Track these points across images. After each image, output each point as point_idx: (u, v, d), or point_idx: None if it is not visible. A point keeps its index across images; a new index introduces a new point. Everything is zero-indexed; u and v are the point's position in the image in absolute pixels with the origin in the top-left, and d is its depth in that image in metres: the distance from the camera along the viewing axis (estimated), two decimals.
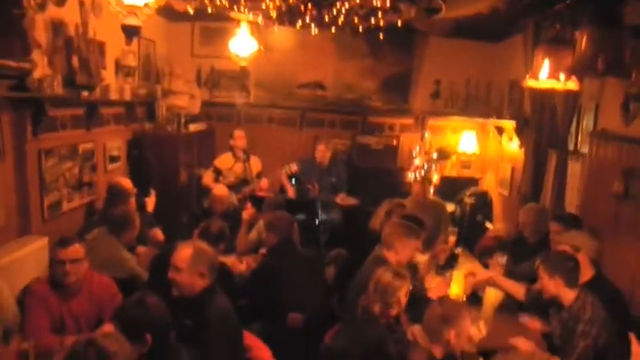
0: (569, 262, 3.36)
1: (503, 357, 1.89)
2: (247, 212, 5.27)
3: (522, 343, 3.38)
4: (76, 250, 3.31)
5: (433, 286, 4.23)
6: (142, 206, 5.36)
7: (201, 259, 3.18)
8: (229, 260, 4.58)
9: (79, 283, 3.35)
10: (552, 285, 3.34)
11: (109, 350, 1.81)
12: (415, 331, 2.97)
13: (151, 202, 5.53)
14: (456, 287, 4.37)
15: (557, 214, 4.79)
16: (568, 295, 3.31)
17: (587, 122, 5.10)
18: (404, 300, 3.29)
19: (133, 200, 4.97)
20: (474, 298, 4.20)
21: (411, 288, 3.36)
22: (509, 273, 4.51)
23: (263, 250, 4.71)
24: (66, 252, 3.26)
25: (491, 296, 4.37)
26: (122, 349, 1.86)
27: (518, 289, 3.94)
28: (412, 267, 4.63)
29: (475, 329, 3.61)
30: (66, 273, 3.26)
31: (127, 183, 5.24)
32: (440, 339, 2.86)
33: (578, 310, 3.23)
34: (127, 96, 6.08)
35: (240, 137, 6.79)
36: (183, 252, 3.18)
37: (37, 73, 4.25)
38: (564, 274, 3.31)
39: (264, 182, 6.60)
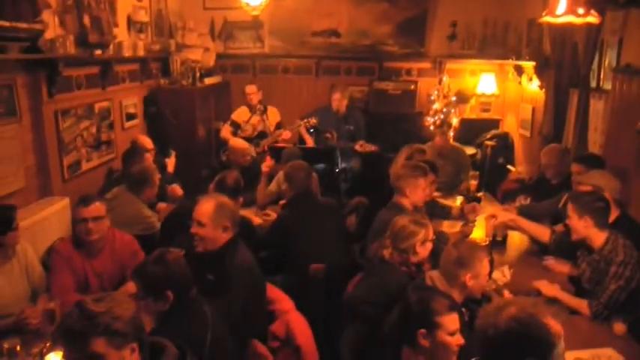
0: (599, 203, 3.26)
1: (498, 303, 1.85)
2: (266, 164, 5.25)
3: (545, 287, 3.37)
4: (98, 207, 3.34)
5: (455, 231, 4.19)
6: (162, 166, 5.38)
7: (224, 212, 3.17)
8: (249, 213, 4.61)
9: (102, 241, 3.39)
10: (582, 225, 3.25)
11: (93, 311, 1.77)
12: (433, 275, 2.95)
13: (171, 163, 5.53)
14: (479, 231, 4.35)
15: (578, 155, 4.70)
16: (598, 237, 3.23)
17: (610, 58, 4.94)
18: (421, 249, 3.23)
19: (149, 156, 4.97)
20: (497, 241, 4.17)
21: (433, 237, 3.33)
22: (529, 209, 4.49)
23: (283, 202, 4.70)
24: (88, 210, 3.30)
25: (516, 240, 4.35)
26: (114, 310, 1.80)
27: (542, 232, 3.87)
28: (445, 210, 4.64)
29: (499, 274, 3.59)
30: (89, 231, 3.30)
31: (146, 141, 5.25)
32: (456, 282, 2.85)
33: (609, 252, 3.16)
34: (141, 52, 6.06)
35: (252, 93, 6.73)
36: (205, 206, 3.16)
37: (48, 34, 4.23)
38: (594, 214, 3.21)
39: (285, 134, 6.55)
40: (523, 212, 4.36)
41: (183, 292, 2.60)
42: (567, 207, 3.36)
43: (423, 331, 2.30)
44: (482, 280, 2.91)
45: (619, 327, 2.92)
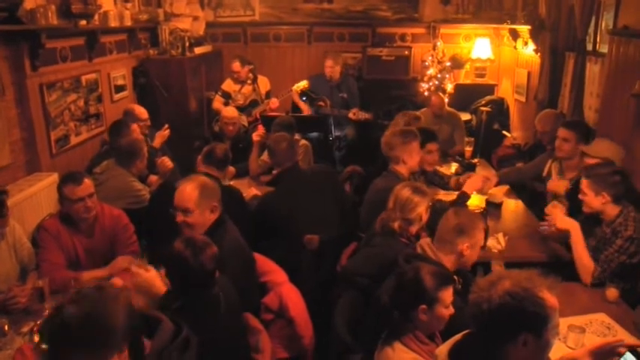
0: (616, 177, 3.16)
1: (492, 277, 1.81)
2: (257, 133, 5.17)
3: (561, 218, 3.35)
4: (88, 184, 3.27)
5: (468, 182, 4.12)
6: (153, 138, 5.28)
7: (209, 193, 3.03)
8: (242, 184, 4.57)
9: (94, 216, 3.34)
10: (598, 202, 3.16)
11: (76, 326, 1.57)
12: (423, 244, 2.91)
13: (159, 137, 5.32)
14: (476, 199, 4.32)
15: (567, 121, 4.59)
16: (612, 211, 3.17)
17: (607, 20, 4.85)
18: (425, 217, 3.22)
19: (137, 127, 4.85)
20: (493, 207, 4.18)
21: (431, 203, 3.29)
22: (512, 176, 4.55)
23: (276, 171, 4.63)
24: (82, 189, 3.21)
25: (511, 207, 4.35)
26: (101, 322, 1.61)
27: None
28: (444, 180, 4.59)
29: (494, 241, 3.57)
30: (88, 209, 3.24)
31: (140, 111, 5.18)
32: (453, 250, 2.81)
33: (619, 225, 3.11)
34: (128, 22, 5.93)
35: (237, 70, 6.58)
36: (188, 192, 2.97)
37: (28, 4, 4.11)
38: (612, 189, 3.13)
39: (273, 102, 6.45)
40: (505, 179, 4.35)
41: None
42: (581, 182, 3.25)
43: (424, 307, 2.26)
44: (477, 251, 2.87)
45: (612, 293, 2.91)
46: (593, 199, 3.17)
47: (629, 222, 3.08)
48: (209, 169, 3.94)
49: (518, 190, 4.70)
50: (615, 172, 3.20)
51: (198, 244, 2.49)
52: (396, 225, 3.14)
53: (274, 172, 4.57)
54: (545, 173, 4.33)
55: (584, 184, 3.21)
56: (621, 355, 1.84)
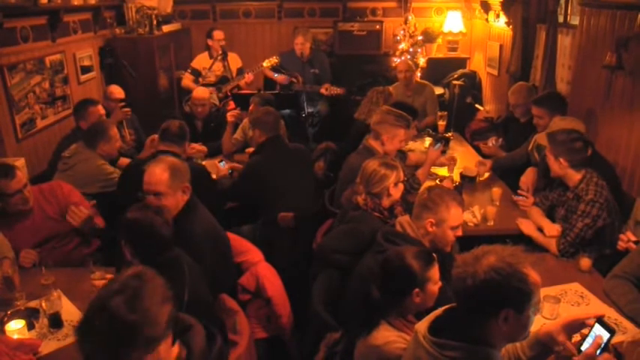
0: (576, 143, 3.25)
1: (476, 252, 1.79)
2: (232, 114, 5.11)
3: (524, 225, 3.45)
4: (20, 175, 3.18)
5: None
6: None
7: (180, 174, 2.94)
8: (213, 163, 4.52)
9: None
10: (557, 166, 3.28)
11: (128, 322, 1.48)
12: (403, 221, 2.85)
13: (114, 117, 5.05)
14: (444, 171, 4.41)
15: (537, 98, 4.58)
16: (573, 177, 3.26)
17: None
18: (394, 191, 3.16)
19: (100, 108, 4.69)
20: (467, 180, 4.18)
21: (404, 179, 3.26)
22: (504, 163, 4.53)
23: (250, 150, 4.58)
24: (16, 181, 3.12)
25: (484, 180, 4.35)
26: (151, 316, 1.53)
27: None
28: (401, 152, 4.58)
29: (470, 215, 3.58)
30: (26, 200, 3.18)
31: (116, 90, 5.08)
32: (420, 225, 2.75)
33: (581, 190, 3.21)
34: (92, 0, 5.76)
35: (220, 38, 6.51)
36: (158, 174, 2.87)
37: None
38: (569, 155, 3.23)
39: (248, 77, 6.34)
40: (498, 167, 4.38)
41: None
42: (546, 148, 3.37)
43: (417, 290, 2.26)
44: (444, 230, 2.74)
45: (584, 262, 2.98)
46: (553, 164, 3.31)
47: (591, 186, 3.19)
48: (169, 146, 3.85)
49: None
50: (576, 139, 3.27)
51: (153, 207, 2.55)
52: (359, 199, 3.12)
53: (248, 149, 4.53)
54: (530, 148, 4.35)
55: (548, 148, 3.36)
56: (591, 326, 1.87)
